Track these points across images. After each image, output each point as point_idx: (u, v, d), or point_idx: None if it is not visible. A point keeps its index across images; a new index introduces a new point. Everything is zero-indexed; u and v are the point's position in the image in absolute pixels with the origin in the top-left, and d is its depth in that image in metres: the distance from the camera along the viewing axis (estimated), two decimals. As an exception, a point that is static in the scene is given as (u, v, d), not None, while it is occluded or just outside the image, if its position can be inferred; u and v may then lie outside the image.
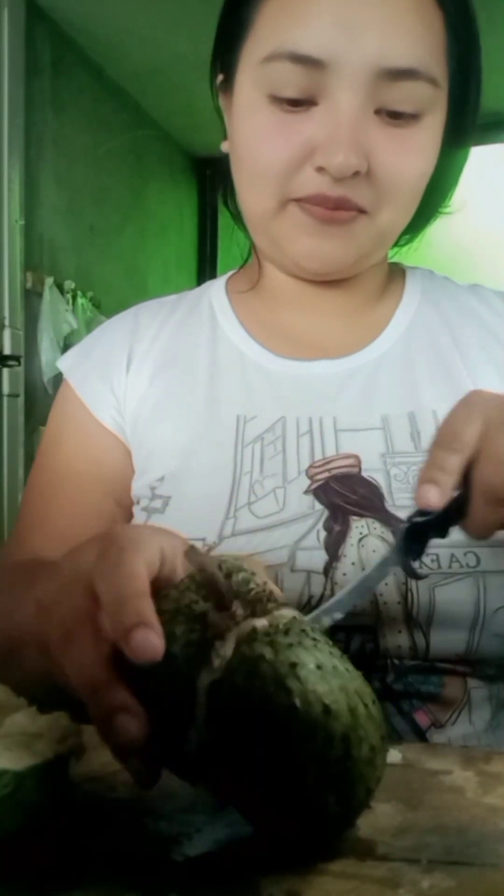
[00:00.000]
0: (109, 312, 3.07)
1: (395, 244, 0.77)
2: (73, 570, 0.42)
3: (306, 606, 0.61)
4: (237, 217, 0.75)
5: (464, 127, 0.71)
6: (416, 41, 0.62)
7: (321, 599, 0.61)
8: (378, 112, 0.63)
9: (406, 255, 0.80)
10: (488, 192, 3.67)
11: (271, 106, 0.64)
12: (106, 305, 3.08)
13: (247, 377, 0.74)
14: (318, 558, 0.62)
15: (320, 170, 0.63)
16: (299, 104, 0.63)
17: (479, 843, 0.37)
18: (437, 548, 0.61)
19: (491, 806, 0.41)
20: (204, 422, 0.72)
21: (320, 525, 0.64)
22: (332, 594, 0.61)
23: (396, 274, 0.80)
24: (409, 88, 0.62)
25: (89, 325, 2.92)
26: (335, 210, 0.64)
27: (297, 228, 0.66)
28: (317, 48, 0.61)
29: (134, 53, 2.98)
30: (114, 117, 3.21)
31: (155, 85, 3.14)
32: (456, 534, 0.60)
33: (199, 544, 0.64)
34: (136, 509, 0.72)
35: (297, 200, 0.65)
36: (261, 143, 0.65)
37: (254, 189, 0.67)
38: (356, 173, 0.63)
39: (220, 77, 0.71)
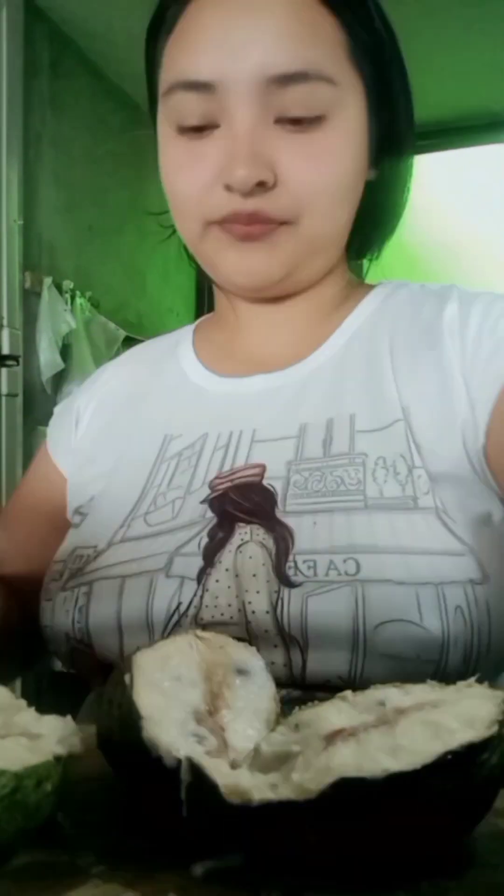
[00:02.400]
0: (108, 312, 3.09)
1: (357, 258, 0.79)
2: None
3: (175, 612, 0.59)
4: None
5: (396, 127, 0.71)
6: (301, 45, 0.63)
7: (190, 606, 0.59)
8: (279, 121, 0.64)
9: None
10: (488, 194, 3.67)
11: (179, 136, 0.67)
12: (105, 305, 3.08)
13: (183, 398, 0.75)
14: (194, 564, 0.60)
15: (228, 188, 0.64)
16: (203, 130, 0.65)
17: (477, 843, 0.37)
18: (315, 553, 0.57)
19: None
20: (133, 444, 0.74)
21: (205, 532, 0.62)
22: (202, 601, 0.58)
23: (360, 290, 0.78)
24: (302, 91, 0.63)
25: (88, 325, 2.92)
26: (251, 224, 0.65)
27: (222, 247, 0.68)
28: (205, 72, 0.63)
29: (133, 54, 2.96)
30: (113, 117, 3.21)
31: (154, 85, 3.14)
32: (338, 537, 0.58)
33: (90, 552, 0.66)
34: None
35: (217, 222, 0.66)
36: (175, 174, 0.68)
37: (178, 217, 0.71)
38: (262, 184, 0.63)
39: (151, 116, 0.74)
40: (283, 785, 0.35)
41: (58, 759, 0.37)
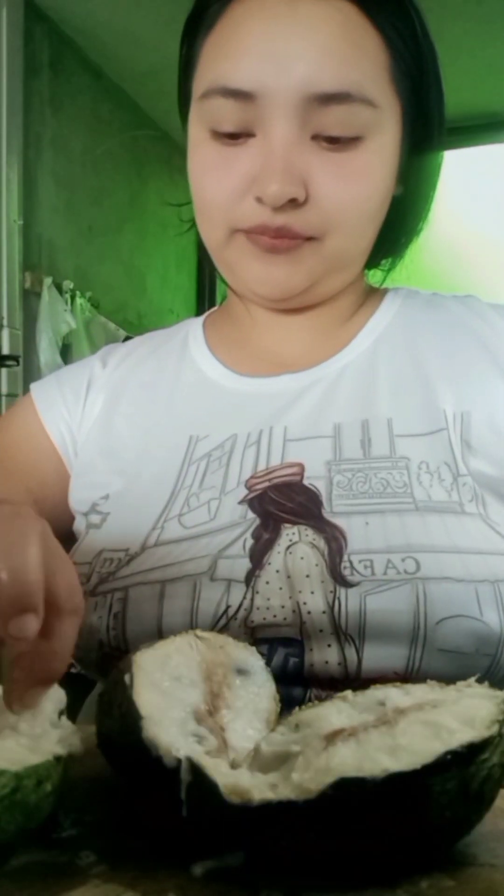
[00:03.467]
0: (108, 312, 3.09)
1: (376, 266, 0.78)
2: None
3: (223, 616, 0.58)
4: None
5: (429, 139, 0.71)
6: (346, 65, 0.62)
7: (239, 608, 0.58)
8: (315, 138, 0.63)
9: (400, 262, 0.80)
10: (488, 194, 3.67)
11: (213, 141, 0.66)
12: (105, 305, 3.08)
13: (205, 398, 0.74)
14: (241, 567, 0.60)
15: (259, 200, 0.64)
16: (237, 137, 0.64)
17: (477, 843, 0.37)
18: (371, 553, 0.58)
19: (490, 806, 0.41)
20: (155, 443, 0.73)
21: (248, 534, 0.62)
22: (253, 603, 0.58)
23: (376, 294, 0.79)
24: (343, 112, 0.62)
25: (88, 325, 2.92)
26: (278, 238, 0.65)
27: (246, 256, 0.67)
28: (246, 81, 0.62)
29: (133, 53, 2.98)
30: (112, 117, 3.21)
31: (154, 85, 3.14)
32: (394, 536, 0.59)
33: (121, 555, 0.65)
34: (77, 517, 0.75)
35: (243, 231, 0.66)
36: (204, 177, 0.67)
37: (204, 221, 0.70)
38: (293, 201, 0.63)
39: (182, 113, 0.72)
40: (283, 785, 0.35)
41: (58, 759, 0.37)
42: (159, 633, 0.59)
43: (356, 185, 0.65)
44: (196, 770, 0.35)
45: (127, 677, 0.40)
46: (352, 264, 0.71)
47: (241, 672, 0.45)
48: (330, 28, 0.62)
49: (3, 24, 2.53)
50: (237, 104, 0.63)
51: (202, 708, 0.41)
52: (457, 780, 0.33)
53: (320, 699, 0.57)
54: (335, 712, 0.40)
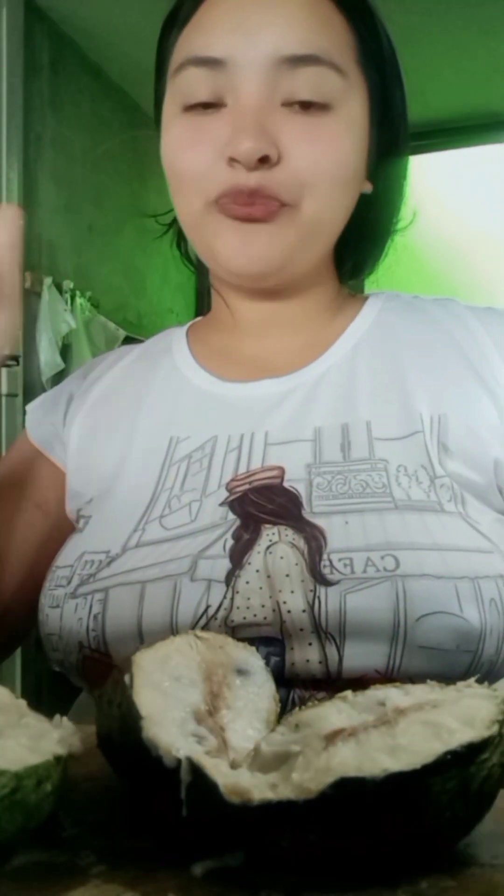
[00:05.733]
0: (108, 312, 3.09)
1: (358, 275, 0.79)
2: None
3: (203, 616, 0.58)
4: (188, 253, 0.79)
5: (395, 136, 0.73)
6: (313, 31, 0.65)
7: (219, 609, 0.59)
8: (287, 104, 0.65)
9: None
10: (488, 195, 3.67)
11: (185, 115, 0.68)
12: (104, 305, 3.08)
13: (186, 400, 0.75)
14: (221, 567, 0.60)
15: (231, 161, 0.65)
16: (210, 107, 0.66)
17: (478, 843, 0.37)
18: (351, 551, 0.58)
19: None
20: (136, 446, 0.74)
21: (229, 534, 0.62)
22: (233, 603, 0.58)
23: (356, 299, 0.80)
24: (312, 74, 0.65)
25: (88, 325, 2.92)
26: (252, 205, 0.65)
27: (222, 229, 0.68)
28: (216, 49, 0.65)
29: (133, 53, 2.98)
30: (112, 117, 3.21)
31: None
32: (373, 535, 0.59)
33: (102, 557, 0.65)
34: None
35: (217, 201, 0.67)
36: (176, 151, 0.69)
37: (179, 197, 0.71)
38: (266, 160, 0.64)
39: (157, 112, 0.74)
40: (283, 784, 0.35)
41: (58, 759, 0.37)
42: (139, 634, 0.60)
43: (328, 149, 0.66)
44: (196, 770, 0.35)
45: (127, 677, 0.40)
46: (326, 236, 0.71)
47: (242, 672, 0.45)
48: (297, 3, 0.66)
49: (3, 24, 2.53)
50: (208, 72, 0.65)
51: (202, 708, 0.41)
52: (457, 779, 0.33)
53: (303, 700, 0.57)
54: (335, 712, 0.40)
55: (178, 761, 0.35)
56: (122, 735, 0.39)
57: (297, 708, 0.43)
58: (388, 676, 0.56)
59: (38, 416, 0.84)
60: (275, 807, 0.33)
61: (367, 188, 0.73)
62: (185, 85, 0.67)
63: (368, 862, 0.34)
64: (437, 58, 2.74)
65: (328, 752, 0.36)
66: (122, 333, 3.10)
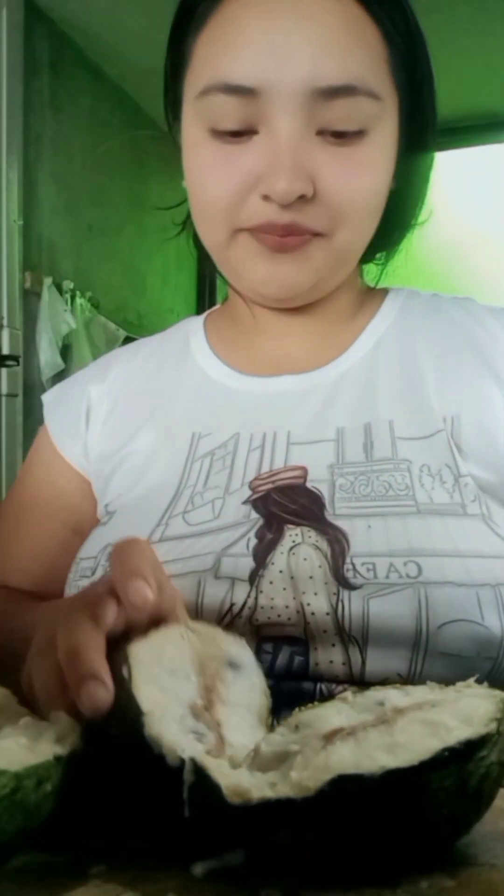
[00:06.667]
0: (108, 312, 3.09)
1: (371, 261, 0.78)
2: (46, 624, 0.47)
3: (227, 613, 0.59)
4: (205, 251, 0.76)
5: (422, 135, 0.71)
6: (349, 58, 0.61)
7: (243, 607, 0.59)
8: (321, 133, 0.62)
9: (401, 262, 0.80)
10: (488, 194, 3.67)
11: (213, 139, 0.64)
12: (105, 305, 3.08)
13: (207, 396, 0.74)
14: (245, 565, 0.60)
15: (266, 198, 0.62)
16: (240, 135, 0.63)
17: (477, 843, 0.38)
18: (374, 556, 0.59)
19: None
20: (159, 441, 0.74)
21: (252, 533, 0.62)
22: (257, 602, 0.58)
23: (375, 295, 0.79)
24: (348, 105, 0.61)
25: (88, 326, 2.92)
26: (286, 236, 0.64)
27: (251, 256, 0.66)
28: (248, 77, 0.60)
29: (133, 53, 2.98)
30: (112, 117, 3.21)
31: (154, 85, 3.12)
32: (396, 540, 0.59)
33: None
34: None
35: (248, 230, 0.65)
36: (206, 178, 0.65)
37: (205, 221, 0.68)
38: (302, 197, 0.62)
39: (171, 115, 0.72)
40: (282, 783, 0.35)
41: (58, 759, 0.37)
42: None
43: (363, 179, 0.64)
44: (199, 771, 0.35)
45: (125, 670, 0.40)
46: (354, 258, 0.71)
47: (234, 666, 0.46)
48: (331, 20, 0.61)
49: (3, 24, 2.53)
50: (239, 100, 0.61)
51: (198, 703, 0.41)
52: (455, 777, 0.33)
53: (332, 693, 0.57)
54: (335, 713, 0.40)
55: (182, 761, 0.36)
56: (120, 728, 0.39)
57: (309, 703, 0.43)
58: (410, 681, 0.57)
59: (62, 421, 0.83)
60: (273, 805, 0.33)
61: (392, 185, 0.71)
62: (213, 110, 0.63)
63: (367, 860, 0.34)
64: (436, 58, 2.73)
65: (327, 750, 0.36)
66: (122, 333, 3.10)
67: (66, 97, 2.93)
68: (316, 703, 0.43)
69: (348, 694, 0.42)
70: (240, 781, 0.35)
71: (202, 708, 0.41)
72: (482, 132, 3.49)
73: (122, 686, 0.39)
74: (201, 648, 0.45)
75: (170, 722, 0.38)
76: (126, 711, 0.38)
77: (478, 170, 3.65)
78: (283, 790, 0.34)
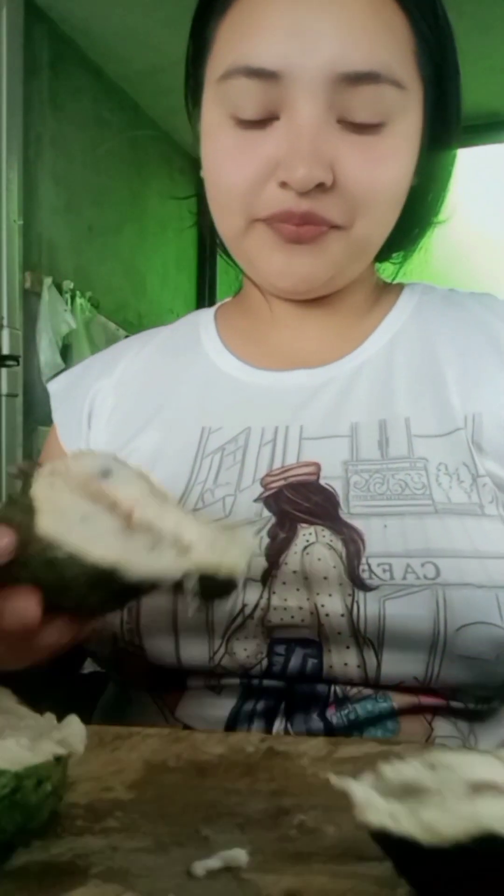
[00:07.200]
0: (108, 312, 3.09)
1: (388, 260, 0.76)
2: None
3: (239, 614, 0.58)
4: (219, 241, 0.74)
5: (446, 130, 0.69)
6: (375, 44, 0.59)
7: (256, 608, 0.58)
8: (342, 121, 0.61)
9: (413, 255, 0.78)
10: (488, 194, 3.67)
11: (233, 124, 0.62)
12: (105, 305, 3.08)
13: (217, 390, 0.73)
14: (257, 565, 0.59)
15: (283, 185, 0.61)
16: (260, 121, 0.61)
17: None
18: (390, 557, 0.58)
19: (490, 806, 0.41)
20: (168, 435, 0.72)
21: (264, 532, 0.61)
22: (270, 603, 0.58)
23: (391, 290, 0.78)
24: (372, 93, 0.59)
25: (88, 325, 2.92)
26: (303, 226, 0.62)
27: (267, 247, 0.65)
28: (270, 60, 0.59)
29: (133, 53, 2.98)
30: (112, 117, 3.21)
31: (154, 85, 3.14)
32: (413, 540, 0.58)
33: None
34: None
35: (265, 219, 0.63)
36: (223, 164, 0.64)
37: (222, 210, 0.67)
38: (320, 186, 0.60)
39: (192, 101, 0.70)
40: (408, 819, 0.31)
41: (58, 759, 0.37)
42: (174, 629, 0.59)
43: (384, 170, 0.62)
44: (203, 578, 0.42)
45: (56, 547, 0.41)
46: (372, 251, 0.69)
47: (105, 474, 0.46)
48: (358, 5, 0.59)
49: (3, 24, 2.53)
50: (261, 84, 0.59)
51: (121, 523, 0.43)
52: None
53: (347, 695, 0.57)
54: (485, 764, 0.35)
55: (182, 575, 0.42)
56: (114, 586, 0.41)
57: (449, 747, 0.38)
58: (426, 684, 0.56)
59: (67, 418, 0.81)
60: (395, 840, 0.31)
61: (414, 181, 0.69)
62: (234, 94, 0.61)
63: None
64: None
65: (474, 801, 0.31)
66: (122, 333, 3.10)
67: (66, 97, 2.93)
68: (462, 747, 0.39)
69: (502, 751, 0.37)
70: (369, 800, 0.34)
71: (127, 524, 0.43)
72: (483, 132, 3.49)
73: (63, 552, 0.40)
74: (73, 484, 0.45)
75: (140, 552, 0.41)
76: (107, 573, 0.41)
77: (479, 170, 3.65)
78: (409, 827, 0.30)
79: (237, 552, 0.43)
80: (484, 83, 3.15)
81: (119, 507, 0.43)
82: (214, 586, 0.43)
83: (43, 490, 0.43)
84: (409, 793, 0.33)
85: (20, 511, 0.42)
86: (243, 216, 0.64)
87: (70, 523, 0.42)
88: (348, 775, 0.45)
